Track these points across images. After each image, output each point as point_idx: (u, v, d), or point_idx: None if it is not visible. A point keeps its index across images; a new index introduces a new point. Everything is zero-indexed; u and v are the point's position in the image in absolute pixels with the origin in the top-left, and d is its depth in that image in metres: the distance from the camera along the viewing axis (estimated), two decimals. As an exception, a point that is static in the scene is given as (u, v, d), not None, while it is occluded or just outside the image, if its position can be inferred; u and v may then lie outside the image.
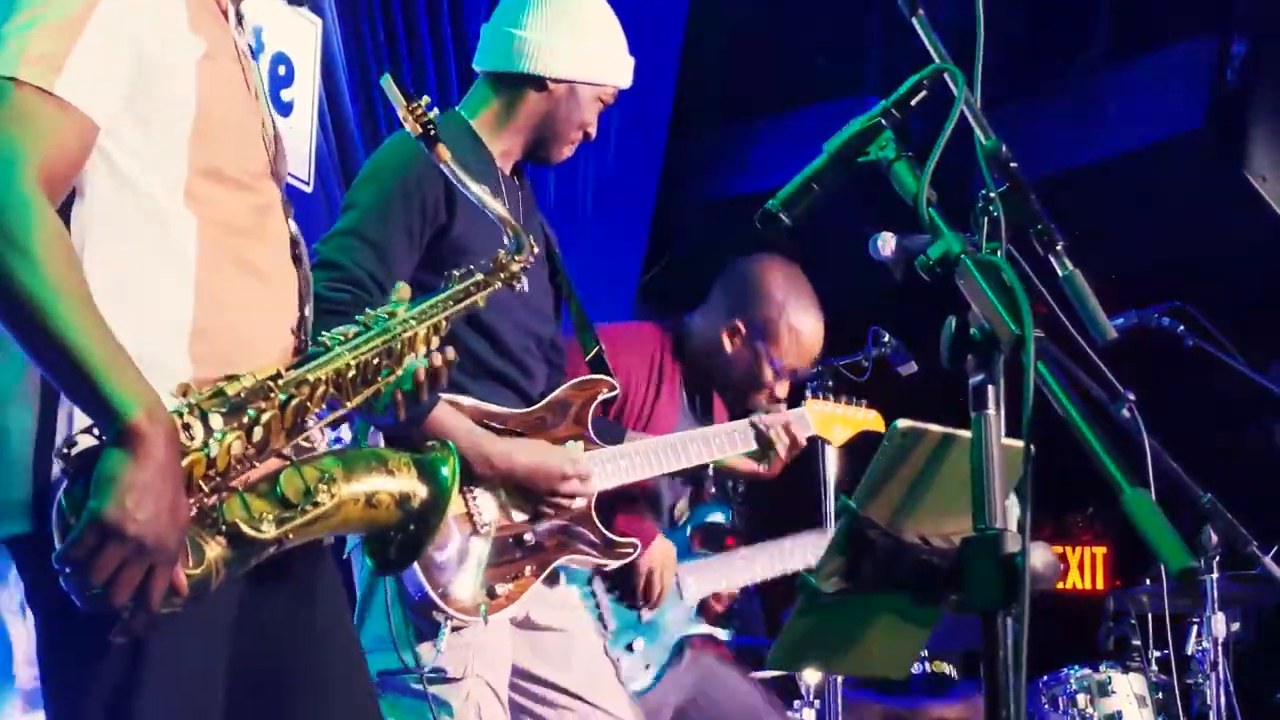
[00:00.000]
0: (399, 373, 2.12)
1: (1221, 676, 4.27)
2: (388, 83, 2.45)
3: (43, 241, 1.77)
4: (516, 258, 2.46)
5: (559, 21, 3.17)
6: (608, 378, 3.28)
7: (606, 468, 3.29)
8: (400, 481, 2.03)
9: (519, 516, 3.08)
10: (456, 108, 3.26)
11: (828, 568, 1.96)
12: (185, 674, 1.91)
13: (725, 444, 3.58)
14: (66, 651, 1.89)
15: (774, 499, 4.04)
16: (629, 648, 3.59)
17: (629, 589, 3.62)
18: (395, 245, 2.96)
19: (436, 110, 2.46)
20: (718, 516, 3.86)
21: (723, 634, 3.86)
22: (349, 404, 2.04)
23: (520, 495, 3.09)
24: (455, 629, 2.94)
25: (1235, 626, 4.76)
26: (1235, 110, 5.98)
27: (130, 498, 1.71)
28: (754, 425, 3.60)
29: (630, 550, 3.31)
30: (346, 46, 5.16)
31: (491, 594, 3.01)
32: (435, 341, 2.19)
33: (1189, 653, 4.67)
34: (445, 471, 2.06)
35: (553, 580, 3.20)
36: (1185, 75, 6.03)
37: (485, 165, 3.12)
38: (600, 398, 3.26)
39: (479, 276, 2.36)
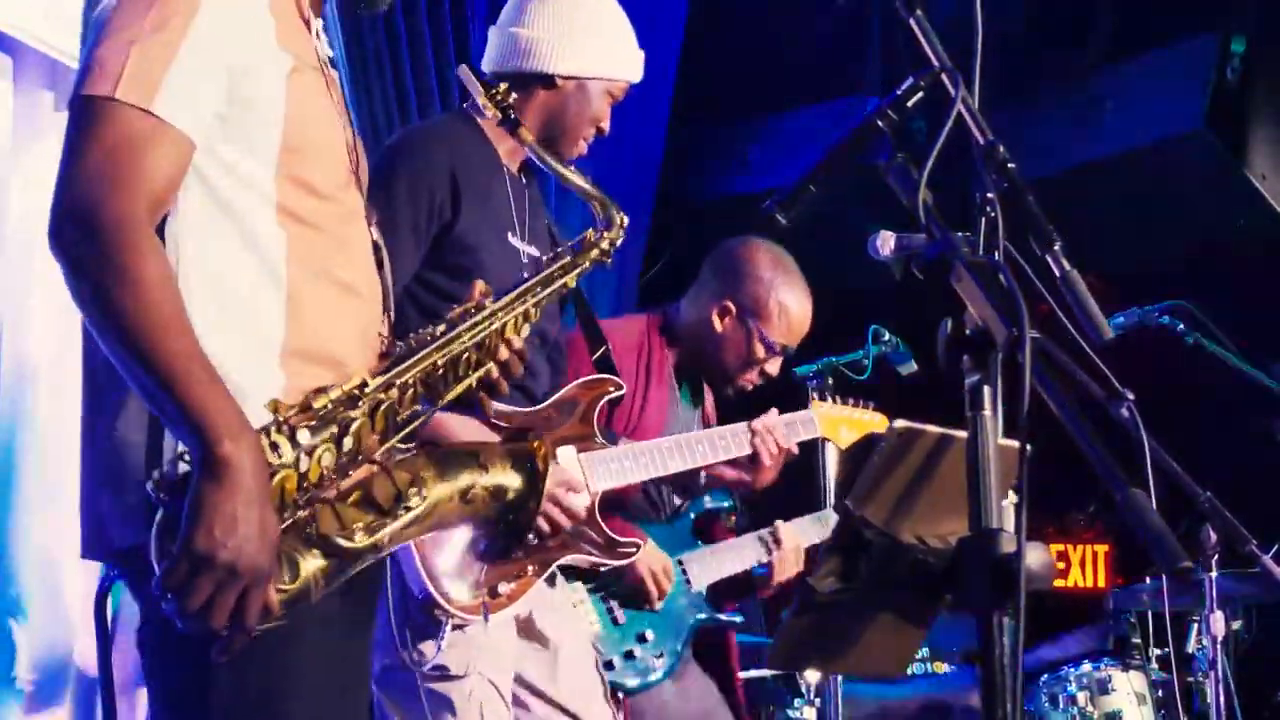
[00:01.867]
0: (490, 365, 2.11)
1: (1221, 675, 4.28)
2: (464, 72, 2.48)
3: (145, 267, 1.78)
4: (607, 234, 2.42)
5: (566, 19, 3.18)
6: (614, 377, 3.29)
7: (610, 467, 3.30)
8: (494, 475, 2.01)
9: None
10: (464, 106, 3.26)
11: (825, 568, 1.97)
12: (316, 668, 1.95)
13: (730, 445, 3.58)
14: (185, 658, 1.90)
15: (774, 500, 4.03)
16: (641, 638, 3.59)
17: (628, 597, 3.61)
18: (402, 245, 2.97)
19: (515, 95, 2.55)
20: (720, 503, 3.85)
21: (735, 619, 3.87)
22: (442, 401, 2.04)
23: None
24: (457, 627, 2.94)
25: (1235, 625, 4.77)
26: (1235, 110, 5.97)
27: (219, 526, 1.73)
28: (750, 429, 3.60)
29: (632, 550, 3.31)
30: (347, 47, 5.16)
31: (493, 593, 3.01)
32: (525, 330, 2.18)
33: (1189, 651, 4.68)
34: (536, 460, 2.05)
35: (554, 580, 3.20)
36: (1185, 75, 6.02)
37: (491, 163, 3.13)
38: (607, 397, 3.27)
39: (566, 258, 2.32)
